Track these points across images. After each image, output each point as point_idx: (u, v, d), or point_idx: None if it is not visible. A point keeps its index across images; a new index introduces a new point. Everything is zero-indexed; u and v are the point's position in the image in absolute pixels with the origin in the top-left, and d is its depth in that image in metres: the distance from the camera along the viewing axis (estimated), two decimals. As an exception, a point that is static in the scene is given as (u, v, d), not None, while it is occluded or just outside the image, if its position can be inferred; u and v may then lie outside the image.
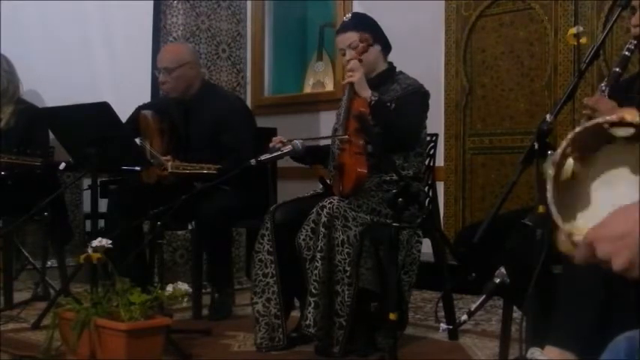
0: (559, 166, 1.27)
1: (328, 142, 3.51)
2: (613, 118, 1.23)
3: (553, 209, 1.24)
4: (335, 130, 3.39)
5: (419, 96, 3.29)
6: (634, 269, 1.11)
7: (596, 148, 1.26)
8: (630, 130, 1.22)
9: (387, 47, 3.41)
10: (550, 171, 1.27)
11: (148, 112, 3.98)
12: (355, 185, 3.09)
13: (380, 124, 3.11)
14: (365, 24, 3.37)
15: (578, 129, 1.28)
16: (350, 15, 3.52)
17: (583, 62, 2.14)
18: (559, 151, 1.27)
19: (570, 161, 1.27)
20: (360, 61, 3.22)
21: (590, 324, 1.88)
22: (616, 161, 1.25)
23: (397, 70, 3.41)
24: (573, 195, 1.27)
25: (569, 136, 1.27)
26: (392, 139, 3.09)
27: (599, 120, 1.25)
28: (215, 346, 3.27)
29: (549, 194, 1.25)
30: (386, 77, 3.35)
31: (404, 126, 3.17)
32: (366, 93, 3.15)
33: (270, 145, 3.27)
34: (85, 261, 2.91)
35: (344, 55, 3.38)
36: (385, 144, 3.03)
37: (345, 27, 3.39)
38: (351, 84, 3.19)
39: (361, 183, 3.10)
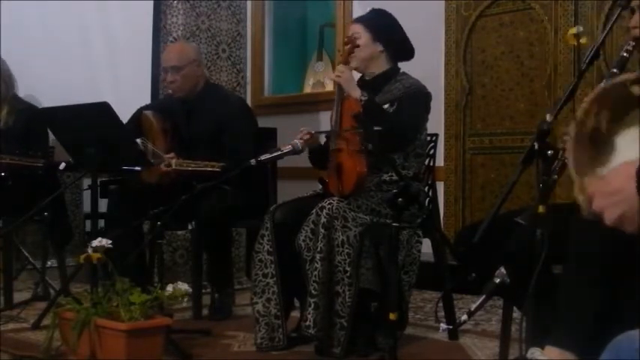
0: (581, 123, 1.28)
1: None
2: (632, 76, 1.25)
3: (571, 164, 1.26)
4: (331, 130, 3.40)
5: (420, 97, 3.29)
6: (625, 224, 1.13)
7: (625, 108, 1.27)
8: None
9: (393, 49, 3.37)
10: (572, 129, 1.29)
11: (149, 112, 3.99)
12: (356, 185, 3.09)
13: (372, 123, 3.09)
14: (374, 21, 3.36)
15: (600, 86, 1.29)
16: (369, 9, 3.51)
17: (583, 62, 2.13)
18: (582, 108, 1.29)
19: (592, 118, 1.28)
20: (347, 63, 3.25)
21: (590, 324, 1.88)
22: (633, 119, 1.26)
23: (400, 71, 3.40)
24: (593, 151, 1.29)
25: (592, 94, 1.29)
26: (389, 138, 3.08)
27: (621, 78, 1.26)
28: (215, 346, 3.27)
29: (569, 152, 1.27)
30: (388, 77, 3.35)
31: (402, 125, 3.17)
32: (356, 93, 3.15)
33: (299, 136, 3.26)
34: (85, 261, 2.91)
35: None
36: (382, 143, 3.02)
37: (355, 19, 3.50)
38: (340, 84, 3.21)
39: (362, 182, 3.10)
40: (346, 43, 3.36)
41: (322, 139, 3.30)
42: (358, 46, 3.29)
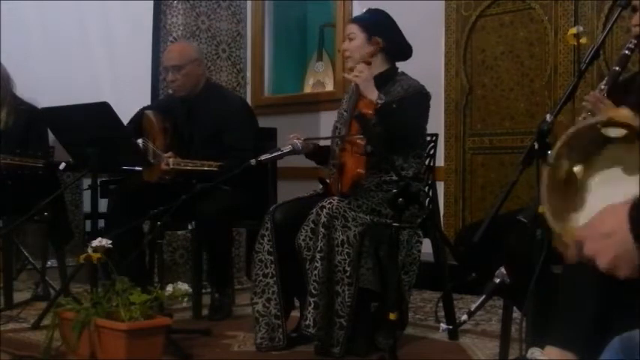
0: (554, 167, 1.27)
1: (328, 142, 3.51)
2: (602, 118, 1.24)
3: (547, 210, 1.24)
4: (335, 128, 3.39)
5: (420, 97, 3.28)
6: (619, 268, 1.11)
7: (597, 150, 1.27)
8: (622, 131, 1.22)
9: (390, 49, 3.34)
10: (546, 173, 1.28)
11: (150, 112, 3.99)
12: (352, 185, 3.09)
13: (386, 127, 3.07)
14: (371, 22, 3.34)
15: (571, 130, 1.28)
16: (366, 9, 3.49)
17: (583, 62, 2.14)
18: (554, 152, 1.27)
19: (565, 162, 1.27)
20: (369, 64, 3.21)
21: (590, 324, 1.88)
22: (614, 161, 1.25)
23: (399, 71, 3.39)
24: (569, 195, 1.27)
25: (563, 137, 1.28)
26: (394, 140, 3.08)
27: (591, 121, 1.25)
28: (215, 346, 3.27)
29: (543, 195, 1.26)
30: (387, 78, 3.33)
31: (405, 127, 3.17)
32: (373, 95, 3.14)
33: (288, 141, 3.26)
34: (85, 261, 2.91)
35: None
36: (387, 145, 3.02)
37: (352, 18, 3.49)
38: (357, 85, 3.19)
39: (358, 183, 3.10)
40: (372, 43, 3.27)
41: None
42: (350, 40, 3.29)
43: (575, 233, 1.16)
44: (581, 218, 1.23)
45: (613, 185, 1.24)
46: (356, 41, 3.29)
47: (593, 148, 1.26)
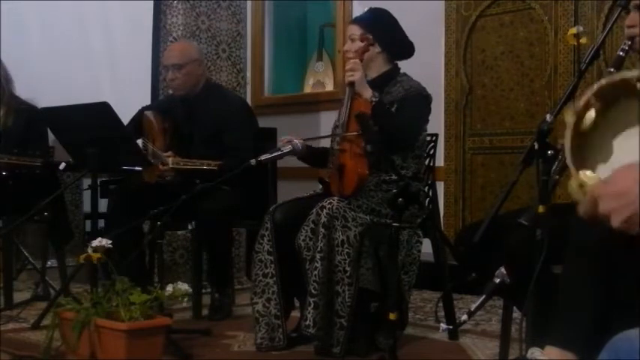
0: (580, 116, 1.27)
1: (328, 143, 3.51)
2: (637, 74, 1.24)
3: (568, 157, 1.25)
4: (335, 127, 3.39)
5: (421, 99, 3.27)
6: (633, 227, 1.12)
7: (627, 104, 1.26)
8: None
9: (392, 50, 3.36)
10: (570, 119, 1.28)
11: (150, 113, 3.99)
12: (357, 187, 3.09)
13: (380, 124, 3.09)
14: (372, 22, 3.34)
15: (604, 81, 1.28)
16: (367, 9, 3.48)
17: (583, 62, 2.13)
18: (582, 101, 1.27)
19: (592, 113, 1.27)
20: (361, 60, 3.22)
21: (590, 324, 1.88)
22: (636, 117, 1.25)
23: (401, 71, 3.39)
24: (593, 146, 1.27)
25: (595, 87, 1.27)
26: (391, 139, 3.09)
27: (625, 74, 1.25)
28: (215, 346, 3.27)
29: (567, 142, 1.26)
30: (388, 78, 3.33)
31: (403, 126, 3.17)
32: (367, 93, 3.14)
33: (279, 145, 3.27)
34: (85, 261, 2.91)
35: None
36: (384, 144, 3.02)
37: (354, 19, 3.44)
38: (352, 83, 3.19)
39: (363, 184, 3.10)
40: (361, 39, 3.26)
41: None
42: (352, 41, 3.29)
43: (592, 190, 1.17)
44: (606, 171, 1.23)
45: (635, 141, 1.24)
46: (359, 42, 3.30)
47: (623, 103, 1.26)
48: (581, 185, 1.23)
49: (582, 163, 1.27)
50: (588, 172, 1.25)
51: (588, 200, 1.19)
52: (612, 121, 1.28)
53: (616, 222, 1.14)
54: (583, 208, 1.21)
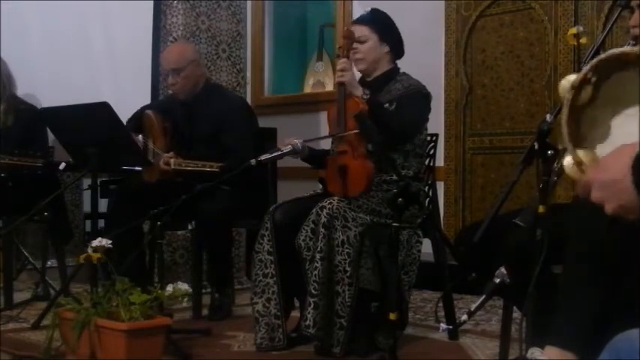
0: (577, 90, 1.26)
1: (328, 143, 3.51)
2: (635, 49, 1.23)
3: (565, 133, 1.23)
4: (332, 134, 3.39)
5: (420, 96, 3.28)
6: (629, 213, 1.12)
7: (627, 81, 1.25)
8: None
9: (396, 49, 3.37)
10: (568, 94, 1.26)
11: (151, 112, 3.99)
12: (367, 186, 3.08)
13: (378, 123, 3.09)
14: (378, 22, 3.35)
15: (603, 55, 1.27)
16: (369, 9, 3.48)
17: (583, 62, 2.13)
18: (580, 75, 1.26)
19: (589, 88, 1.26)
20: (348, 57, 3.22)
21: (590, 324, 1.88)
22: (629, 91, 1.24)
23: (401, 71, 3.40)
24: (588, 121, 1.26)
25: (593, 61, 1.26)
26: (388, 136, 3.08)
27: (624, 49, 1.24)
28: (215, 346, 3.27)
29: (564, 118, 1.25)
30: (389, 77, 3.35)
31: (401, 123, 3.17)
32: (358, 92, 3.15)
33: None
34: (85, 261, 2.91)
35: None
36: (384, 142, 3.02)
37: (358, 20, 3.43)
38: (342, 84, 3.19)
39: (371, 183, 3.10)
40: (345, 36, 3.27)
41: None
42: (361, 42, 3.28)
43: (588, 176, 1.16)
44: (605, 149, 1.22)
45: (634, 120, 1.22)
46: (369, 43, 3.30)
47: (615, 77, 1.24)
48: (579, 163, 1.22)
49: (578, 139, 1.25)
50: (583, 151, 1.24)
51: (584, 184, 1.18)
52: (606, 95, 1.26)
53: (609, 209, 1.13)
54: (580, 192, 1.20)
